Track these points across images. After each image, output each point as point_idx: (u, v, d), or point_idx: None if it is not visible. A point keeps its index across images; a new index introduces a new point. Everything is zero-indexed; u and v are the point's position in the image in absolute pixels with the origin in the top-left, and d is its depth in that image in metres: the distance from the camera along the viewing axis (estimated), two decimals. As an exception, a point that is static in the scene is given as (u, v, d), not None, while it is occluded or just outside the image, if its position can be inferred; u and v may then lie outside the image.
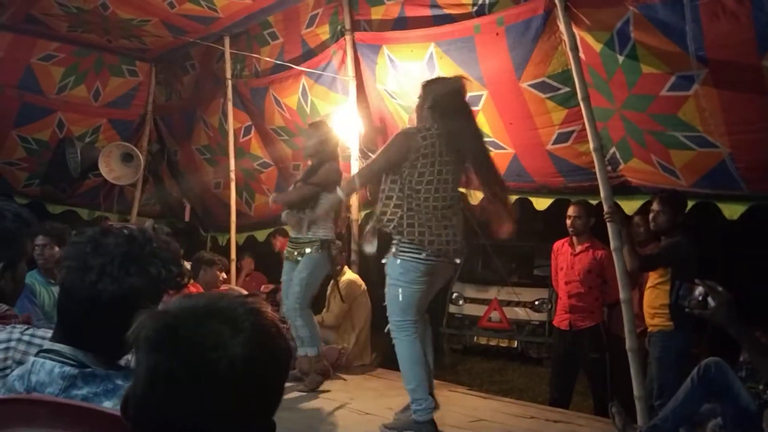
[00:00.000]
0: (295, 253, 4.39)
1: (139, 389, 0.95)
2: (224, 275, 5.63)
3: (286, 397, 1.07)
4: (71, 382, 1.28)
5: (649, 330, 4.38)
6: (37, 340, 1.48)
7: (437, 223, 3.22)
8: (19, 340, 1.55)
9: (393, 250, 3.28)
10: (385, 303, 3.35)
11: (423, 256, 3.20)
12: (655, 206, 4.14)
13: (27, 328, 1.60)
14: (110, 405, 1.24)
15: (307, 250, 4.32)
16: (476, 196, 3.65)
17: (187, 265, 6.19)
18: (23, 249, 1.76)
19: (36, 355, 1.34)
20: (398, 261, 3.24)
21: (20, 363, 1.44)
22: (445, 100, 3.32)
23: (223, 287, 5.66)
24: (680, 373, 3.54)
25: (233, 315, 0.97)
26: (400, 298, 3.25)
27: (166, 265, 1.38)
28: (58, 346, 1.33)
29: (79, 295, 1.33)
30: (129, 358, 1.62)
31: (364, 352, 5.24)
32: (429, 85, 3.45)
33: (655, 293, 4.31)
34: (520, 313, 8.49)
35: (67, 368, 1.29)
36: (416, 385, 3.23)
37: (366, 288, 5.29)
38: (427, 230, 3.19)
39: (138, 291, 1.32)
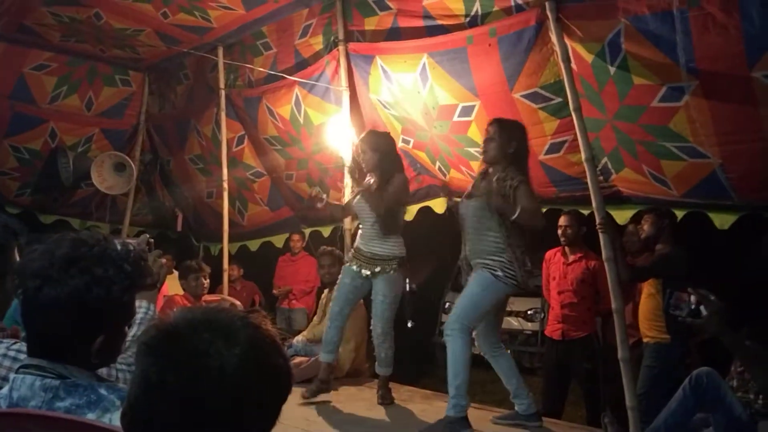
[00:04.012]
0: (371, 268, 4.25)
1: (134, 393, 0.96)
2: (205, 281, 5.48)
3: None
4: (54, 393, 1.27)
5: (645, 341, 4.39)
6: (22, 356, 1.46)
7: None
8: (4, 355, 1.54)
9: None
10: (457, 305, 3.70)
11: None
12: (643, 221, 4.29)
13: (14, 343, 1.58)
14: (93, 417, 1.24)
15: (386, 269, 4.23)
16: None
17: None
18: (12, 260, 1.74)
19: (16, 371, 1.33)
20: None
21: (5, 379, 1.43)
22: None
23: (213, 297, 5.63)
24: (669, 385, 3.55)
25: (230, 327, 0.98)
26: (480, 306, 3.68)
27: (117, 263, 1.35)
28: (36, 361, 1.32)
29: (30, 304, 1.31)
30: (110, 371, 1.60)
31: (361, 363, 5.22)
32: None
33: (650, 304, 4.33)
34: (513, 322, 8.49)
35: (48, 380, 1.28)
36: (462, 381, 3.58)
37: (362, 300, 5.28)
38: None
39: (84, 292, 1.29)
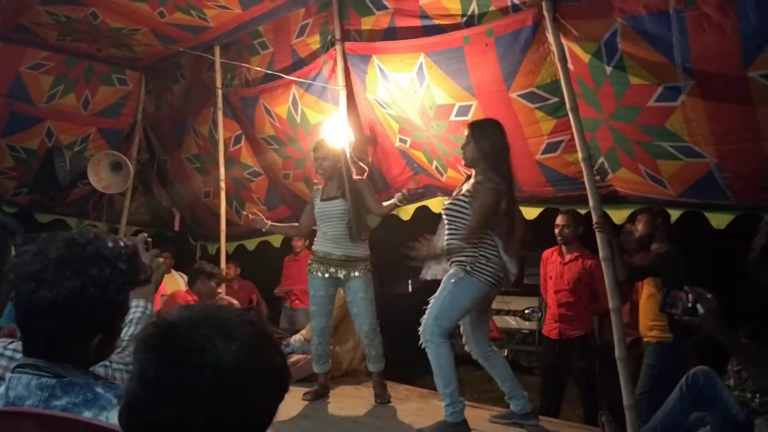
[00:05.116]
0: (349, 270, 4.38)
1: (131, 390, 0.97)
2: (220, 290, 5.57)
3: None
4: (50, 392, 1.26)
5: (645, 340, 4.40)
6: (19, 355, 1.45)
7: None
8: (1, 355, 1.53)
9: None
10: (431, 308, 3.60)
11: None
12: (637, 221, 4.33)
13: (11, 342, 1.57)
14: (90, 415, 1.23)
15: (364, 269, 4.41)
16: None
17: (177, 274, 6.16)
18: (8, 259, 1.74)
19: (12, 370, 1.32)
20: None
21: (2, 379, 1.42)
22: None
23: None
24: (669, 384, 3.55)
25: (228, 324, 0.98)
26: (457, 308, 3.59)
27: (112, 262, 1.34)
28: (32, 360, 1.31)
29: (24, 306, 1.31)
30: (107, 371, 1.60)
31: (359, 361, 5.22)
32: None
33: (651, 304, 4.34)
34: (511, 321, 8.51)
35: (44, 379, 1.28)
36: (454, 388, 3.52)
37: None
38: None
39: (80, 293, 1.29)
